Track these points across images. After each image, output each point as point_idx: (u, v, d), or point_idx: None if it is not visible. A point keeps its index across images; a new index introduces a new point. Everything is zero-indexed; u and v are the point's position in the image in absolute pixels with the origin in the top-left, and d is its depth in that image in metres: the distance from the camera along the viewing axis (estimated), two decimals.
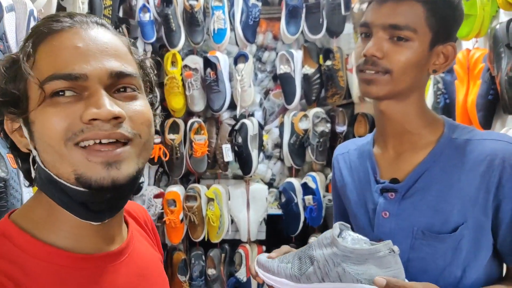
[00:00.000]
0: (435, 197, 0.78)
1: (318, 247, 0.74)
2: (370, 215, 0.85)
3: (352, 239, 0.72)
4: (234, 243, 2.27)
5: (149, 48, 2.22)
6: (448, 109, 1.60)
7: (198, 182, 2.33)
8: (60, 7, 1.38)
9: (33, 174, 0.56)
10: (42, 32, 0.52)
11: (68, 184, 0.51)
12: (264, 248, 2.29)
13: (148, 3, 2.15)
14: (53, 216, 0.54)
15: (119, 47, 0.54)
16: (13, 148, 0.56)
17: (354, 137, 2.20)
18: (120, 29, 1.88)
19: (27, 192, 1.06)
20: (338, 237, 0.72)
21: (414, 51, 0.75)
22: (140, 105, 0.54)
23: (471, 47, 1.56)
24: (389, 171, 0.84)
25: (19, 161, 0.57)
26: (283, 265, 0.75)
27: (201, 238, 2.16)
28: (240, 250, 2.19)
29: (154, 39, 2.14)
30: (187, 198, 2.15)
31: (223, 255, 2.25)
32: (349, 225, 0.76)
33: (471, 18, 1.47)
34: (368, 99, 1.75)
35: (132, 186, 0.53)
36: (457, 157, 0.78)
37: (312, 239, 0.75)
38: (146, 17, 2.11)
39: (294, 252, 0.78)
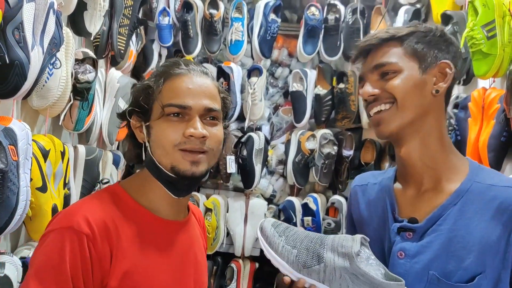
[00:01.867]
0: (454, 242, 0.75)
1: (331, 250, 0.71)
2: (385, 253, 0.83)
3: (368, 260, 0.70)
4: (227, 257, 2.23)
5: (165, 52, 2.23)
6: (459, 146, 1.58)
7: (198, 191, 2.31)
8: (81, 2, 1.38)
9: (143, 157, 0.83)
10: (169, 73, 0.81)
11: (164, 170, 0.79)
12: (257, 265, 2.25)
13: (169, 7, 2.15)
14: (148, 187, 0.82)
15: (212, 90, 0.82)
16: (132, 137, 0.85)
17: (360, 162, 2.17)
18: (138, 30, 1.89)
19: (24, 186, 1.04)
20: (356, 252, 0.70)
21: (406, 77, 0.79)
22: (217, 129, 0.82)
23: (487, 86, 1.54)
24: (409, 209, 0.82)
25: (134, 147, 0.86)
26: (289, 248, 0.73)
27: None
28: (233, 264, 2.15)
29: (170, 43, 2.15)
30: None
31: (215, 267, 2.21)
32: (368, 240, 0.74)
33: (490, 57, 1.45)
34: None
35: (201, 179, 0.82)
36: (479, 202, 0.76)
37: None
38: (165, 20, 2.12)
39: (302, 236, 0.75)
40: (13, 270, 1.07)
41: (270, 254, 0.75)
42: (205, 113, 0.80)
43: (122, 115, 0.86)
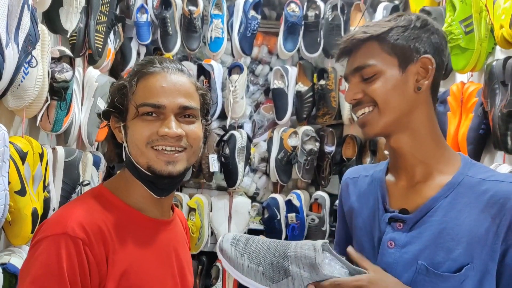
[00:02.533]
0: (443, 233, 0.76)
1: (295, 263, 0.72)
2: (375, 243, 0.84)
3: (331, 263, 0.72)
4: (212, 256, 2.21)
5: (143, 50, 2.18)
6: None
7: (181, 191, 2.28)
8: None
9: (123, 157, 0.83)
10: (143, 72, 0.80)
11: (142, 169, 0.79)
12: None
13: (147, 4, 2.11)
14: (131, 186, 0.82)
15: (188, 87, 0.81)
16: (112, 137, 0.85)
17: (341, 158, 2.19)
18: (116, 27, 1.84)
19: (2, 190, 0.99)
20: (319, 262, 0.71)
21: (385, 80, 0.79)
22: (195, 127, 0.81)
23: (465, 80, 1.58)
24: (400, 201, 0.83)
25: (114, 147, 0.87)
26: (254, 267, 0.74)
27: None
28: (218, 263, 2.13)
29: (149, 41, 2.10)
30: None
31: (200, 267, 2.18)
32: (327, 242, 0.75)
33: (468, 52, 1.49)
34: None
35: (181, 177, 0.83)
36: (470, 195, 0.77)
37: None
38: (143, 18, 2.07)
39: (264, 250, 0.76)
40: None
41: (236, 275, 0.76)
42: (181, 111, 0.79)
43: (101, 116, 0.85)
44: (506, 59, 1.32)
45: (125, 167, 0.83)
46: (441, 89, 1.69)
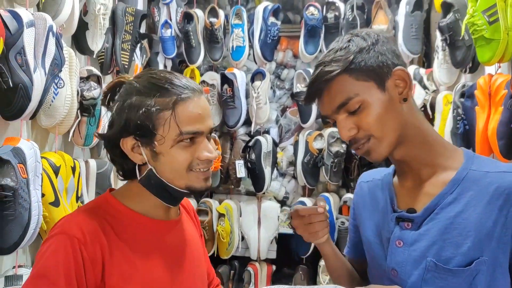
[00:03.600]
0: (451, 229, 0.76)
1: None
2: (384, 244, 0.84)
3: None
4: (244, 261, 2.24)
5: (169, 63, 2.27)
6: (467, 135, 1.55)
7: (211, 197, 2.33)
8: (82, 22, 1.43)
9: (138, 175, 0.83)
10: (177, 99, 0.79)
11: (177, 188, 0.82)
12: (274, 267, 2.25)
13: (171, 19, 2.20)
14: (141, 196, 0.84)
15: (209, 109, 0.84)
16: (120, 156, 0.82)
17: None
18: (141, 43, 1.93)
19: (36, 202, 1.08)
20: None
21: (372, 107, 0.78)
22: (212, 142, 0.85)
23: (493, 72, 1.51)
24: (407, 201, 0.83)
25: (123, 163, 0.84)
26: None
27: (211, 253, 2.15)
28: (250, 268, 2.16)
29: (174, 54, 2.19)
30: (198, 212, 2.15)
31: (232, 272, 2.22)
32: None
33: (494, 42, 1.43)
34: None
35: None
36: (475, 189, 0.76)
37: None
38: (168, 33, 2.16)
39: None
40: None
41: None
42: (209, 133, 0.84)
43: (111, 137, 0.81)
44: None
45: (134, 181, 0.83)
46: (469, 83, 1.63)
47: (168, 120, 0.77)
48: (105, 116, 1.65)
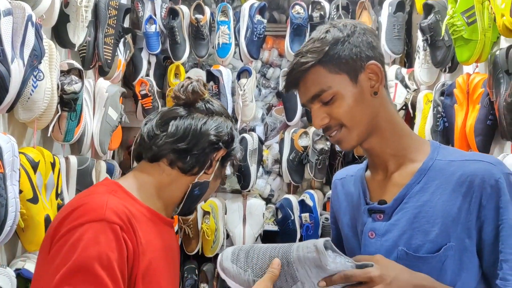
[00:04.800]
0: (418, 217, 0.78)
1: (301, 267, 0.72)
2: (359, 237, 0.86)
3: (335, 260, 0.72)
4: None
5: (154, 60, 2.25)
6: (447, 132, 1.58)
7: None
8: (63, 14, 1.41)
9: (197, 178, 0.88)
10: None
11: (198, 204, 0.98)
12: None
13: (155, 15, 2.18)
14: (159, 196, 0.86)
15: None
16: (203, 151, 0.87)
17: (353, 156, 2.18)
18: (125, 39, 1.91)
19: (13, 198, 1.06)
20: (324, 262, 0.71)
21: (344, 98, 0.80)
22: None
23: (471, 71, 1.54)
24: (378, 193, 0.86)
25: (196, 160, 0.86)
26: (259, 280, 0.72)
27: (195, 251, 2.14)
28: None
29: (158, 50, 2.17)
30: None
31: (217, 270, 2.21)
32: (329, 239, 0.75)
33: (472, 43, 1.46)
34: None
35: None
36: (440, 177, 0.79)
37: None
38: (152, 28, 2.14)
39: (267, 260, 0.74)
40: (6, 281, 1.09)
41: None
42: None
43: (220, 141, 0.87)
44: (509, 48, 1.29)
45: (171, 174, 0.85)
46: (448, 82, 1.66)
47: (232, 159, 0.91)
48: (86, 111, 1.63)
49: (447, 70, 1.73)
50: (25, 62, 1.08)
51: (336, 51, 0.79)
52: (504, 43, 1.40)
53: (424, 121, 1.76)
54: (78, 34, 1.45)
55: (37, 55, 1.13)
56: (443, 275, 0.75)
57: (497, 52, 1.31)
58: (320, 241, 0.73)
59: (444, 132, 1.58)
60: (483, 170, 0.76)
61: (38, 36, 1.13)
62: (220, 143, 0.86)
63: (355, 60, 0.80)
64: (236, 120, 2.18)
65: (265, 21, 2.19)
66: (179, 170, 0.85)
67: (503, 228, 0.74)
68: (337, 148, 2.13)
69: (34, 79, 1.18)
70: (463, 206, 0.75)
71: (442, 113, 1.60)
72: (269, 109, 2.56)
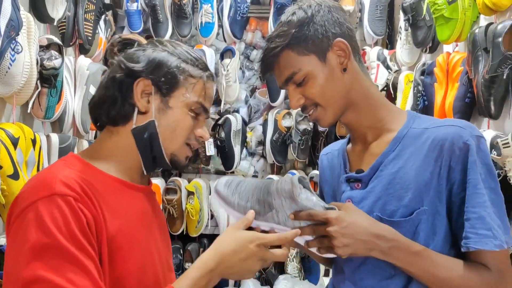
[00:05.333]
0: (393, 184, 0.81)
1: (278, 197, 0.79)
2: None
3: (308, 198, 0.78)
4: (213, 238, 2.22)
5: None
6: (427, 110, 1.62)
7: (180, 176, 2.32)
8: None
9: (134, 122, 0.80)
10: (208, 76, 0.84)
11: (163, 152, 0.81)
12: None
13: None
14: (117, 157, 0.81)
15: None
16: (123, 92, 0.79)
17: (335, 136, 2.21)
18: (106, 16, 1.87)
19: None
20: (297, 194, 0.78)
21: (315, 79, 0.83)
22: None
23: (451, 50, 1.57)
24: (357, 163, 0.89)
25: (119, 106, 0.80)
26: (243, 204, 0.81)
27: (180, 231, 2.14)
28: None
29: (140, 29, 2.13)
30: (167, 191, 2.14)
31: (201, 249, 2.23)
32: (306, 178, 0.81)
33: (452, 22, 1.49)
34: None
35: None
36: (414, 145, 0.81)
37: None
38: (134, 6, 2.10)
39: (252, 189, 0.82)
40: None
41: (228, 212, 0.84)
42: (207, 118, 0.88)
43: (135, 71, 0.78)
44: (487, 26, 1.32)
45: (118, 133, 0.80)
46: (428, 61, 1.70)
47: (194, 85, 0.81)
48: (67, 89, 1.60)
49: (428, 50, 1.76)
50: (2, 33, 1.05)
51: (302, 32, 0.82)
52: (483, 22, 1.43)
53: (405, 101, 1.79)
54: (57, 8, 1.42)
55: (14, 26, 1.10)
56: (417, 239, 0.78)
57: (476, 31, 1.34)
58: (296, 176, 0.80)
59: (424, 110, 1.62)
60: (452, 133, 0.77)
61: (15, 6, 1.09)
62: (134, 74, 0.78)
63: (321, 40, 0.82)
64: (220, 102, 2.17)
65: (248, 0, 2.17)
66: (110, 125, 0.81)
67: (468, 187, 0.75)
68: (320, 128, 2.15)
69: (12, 52, 1.14)
70: (434, 170, 0.77)
71: (422, 92, 1.63)
72: (252, 91, 2.56)
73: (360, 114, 0.86)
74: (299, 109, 2.26)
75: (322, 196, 1.00)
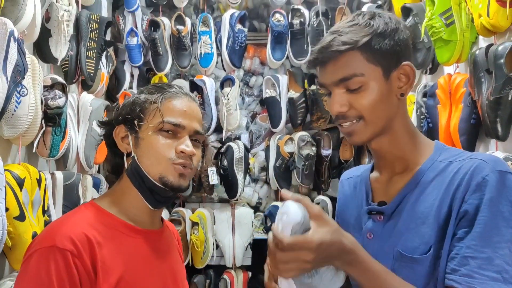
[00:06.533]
0: (414, 218, 0.78)
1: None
2: (362, 237, 0.85)
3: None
4: (219, 269, 2.21)
5: (136, 72, 2.23)
6: (431, 133, 1.61)
7: (183, 206, 2.29)
8: (44, 29, 1.38)
9: (125, 165, 0.87)
10: (167, 92, 0.87)
11: (151, 179, 0.83)
12: (249, 274, 2.23)
13: (136, 27, 2.16)
14: (125, 198, 0.86)
15: (200, 115, 0.90)
16: (112, 147, 0.89)
17: (339, 160, 2.20)
18: (107, 52, 1.89)
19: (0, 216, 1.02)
20: None
21: (372, 91, 0.78)
22: (199, 151, 0.89)
23: (452, 72, 1.59)
24: (380, 194, 0.86)
25: (113, 156, 0.89)
26: None
27: (185, 263, 2.10)
28: (225, 276, 2.13)
29: (141, 62, 2.15)
30: (171, 222, 2.10)
31: (207, 281, 2.18)
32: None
33: (451, 43, 1.50)
34: None
35: (181, 192, 0.90)
36: (438, 179, 0.78)
37: None
38: (134, 41, 2.13)
39: None
40: None
41: None
42: (193, 135, 0.87)
43: (107, 123, 0.89)
44: (488, 47, 1.33)
45: (121, 178, 0.87)
46: (430, 83, 1.71)
47: (154, 110, 0.84)
48: (71, 125, 1.59)
49: (428, 71, 1.77)
50: (9, 78, 1.05)
51: (378, 42, 0.76)
52: (482, 42, 1.45)
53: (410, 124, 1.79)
54: (61, 49, 1.43)
55: (20, 70, 1.10)
56: (437, 275, 0.75)
57: (477, 52, 1.35)
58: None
59: (429, 133, 1.62)
60: (474, 167, 0.74)
61: (21, 52, 1.10)
62: (111, 124, 0.88)
63: (392, 57, 0.78)
64: (222, 130, 2.17)
65: (246, 30, 2.21)
66: (115, 175, 0.90)
67: (479, 225, 0.71)
68: (323, 153, 2.14)
69: (18, 95, 1.14)
70: (450, 203, 0.74)
71: (425, 114, 1.64)
72: (253, 117, 2.57)
73: (394, 142, 0.82)
74: (302, 133, 2.26)
75: (339, 220, 0.96)
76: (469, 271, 0.70)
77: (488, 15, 1.28)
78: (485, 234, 0.70)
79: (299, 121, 2.16)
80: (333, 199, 2.14)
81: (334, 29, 0.80)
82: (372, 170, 0.91)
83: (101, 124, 0.91)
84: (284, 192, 0.72)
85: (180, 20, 2.18)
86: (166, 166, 0.82)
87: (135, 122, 0.84)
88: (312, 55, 0.81)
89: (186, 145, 0.83)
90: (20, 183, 1.20)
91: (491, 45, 1.33)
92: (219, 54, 2.21)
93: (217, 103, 2.22)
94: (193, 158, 0.85)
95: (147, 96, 0.86)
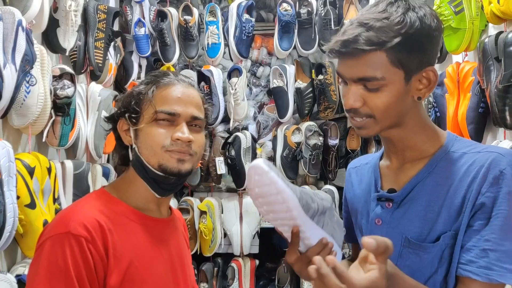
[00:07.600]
0: (424, 207, 0.78)
1: (317, 197, 0.76)
2: (370, 223, 0.86)
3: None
4: (227, 257, 2.24)
5: (144, 62, 2.24)
6: (439, 122, 1.60)
7: (192, 195, 2.32)
8: (53, 19, 1.40)
9: (130, 157, 0.89)
10: (160, 82, 0.87)
11: (152, 169, 0.84)
12: (257, 262, 2.26)
13: (144, 17, 2.17)
14: (133, 187, 0.87)
15: (198, 100, 0.90)
16: (119, 140, 0.91)
17: (346, 150, 2.20)
18: (115, 42, 1.90)
19: (11, 204, 1.04)
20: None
21: (389, 94, 0.75)
22: (201, 136, 0.89)
23: (461, 60, 1.57)
24: (390, 181, 0.85)
25: (120, 149, 0.91)
26: (293, 188, 0.71)
27: (193, 251, 2.13)
28: (233, 264, 2.16)
29: (149, 53, 2.16)
30: (180, 211, 2.13)
31: (215, 269, 2.21)
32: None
33: (460, 32, 1.48)
34: None
35: (184, 179, 0.89)
36: (451, 169, 0.78)
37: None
38: (141, 31, 2.13)
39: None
40: (7, 287, 1.07)
41: (276, 187, 0.69)
42: (191, 121, 0.86)
43: (110, 118, 0.91)
44: (497, 35, 1.31)
45: (128, 168, 0.89)
46: (438, 72, 1.68)
47: (150, 100, 0.85)
48: (80, 115, 1.61)
49: (436, 60, 1.75)
50: (17, 67, 1.07)
51: (409, 44, 0.72)
52: (492, 30, 1.42)
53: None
54: (69, 39, 1.44)
55: (29, 60, 1.12)
56: (443, 263, 0.76)
57: (486, 40, 1.33)
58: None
59: (436, 122, 1.61)
60: (490, 160, 0.73)
61: (29, 41, 1.12)
62: (114, 118, 0.89)
63: (416, 62, 0.74)
64: (229, 120, 2.18)
65: (253, 19, 2.20)
66: (122, 167, 0.92)
67: (497, 218, 0.71)
68: (330, 142, 2.14)
69: (27, 84, 1.16)
70: (465, 195, 0.74)
71: (433, 103, 1.62)
72: (260, 107, 2.57)
73: (406, 133, 0.81)
74: (309, 123, 2.25)
75: (348, 212, 0.97)
76: (487, 263, 0.71)
77: (498, 2, 1.26)
78: (504, 227, 0.71)
79: (306, 111, 2.16)
80: (340, 189, 2.14)
81: (362, 20, 0.74)
82: (381, 158, 0.91)
83: (106, 119, 0.94)
84: (366, 241, 0.62)
85: (187, 10, 2.18)
86: (162, 154, 0.83)
87: (132, 115, 0.86)
88: (335, 45, 0.75)
89: (182, 132, 0.83)
90: (31, 171, 1.23)
91: (500, 32, 1.31)
92: (227, 44, 2.21)
93: (224, 94, 2.23)
94: (192, 144, 0.85)
95: (141, 88, 0.87)
